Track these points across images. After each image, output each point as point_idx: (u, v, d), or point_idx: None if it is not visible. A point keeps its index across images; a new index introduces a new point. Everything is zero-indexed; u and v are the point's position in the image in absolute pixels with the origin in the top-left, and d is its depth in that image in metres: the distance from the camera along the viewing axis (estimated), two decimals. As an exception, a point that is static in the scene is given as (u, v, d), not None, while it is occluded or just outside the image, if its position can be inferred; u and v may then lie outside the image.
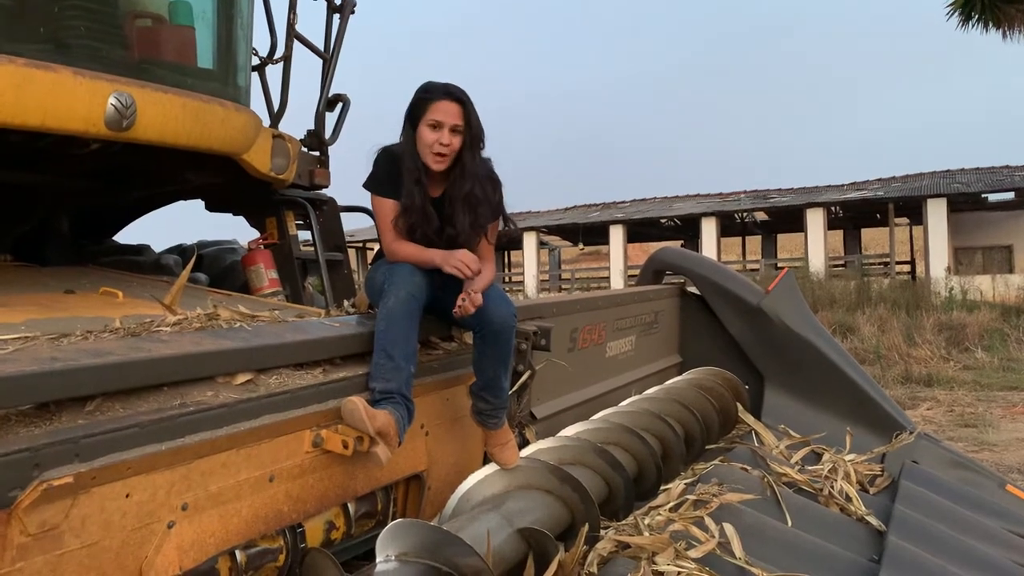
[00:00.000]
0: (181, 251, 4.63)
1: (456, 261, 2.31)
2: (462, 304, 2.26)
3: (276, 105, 4.19)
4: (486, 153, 2.47)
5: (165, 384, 1.72)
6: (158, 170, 3.69)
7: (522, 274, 29.26)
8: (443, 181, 2.45)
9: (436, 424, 2.48)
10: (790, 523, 2.64)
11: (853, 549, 2.63)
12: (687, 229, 29.10)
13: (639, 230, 29.55)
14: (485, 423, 2.45)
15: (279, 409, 1.90)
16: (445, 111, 2.34)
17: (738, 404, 3.79)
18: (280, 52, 4.14)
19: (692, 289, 4.46)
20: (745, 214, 28.03)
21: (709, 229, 26.06)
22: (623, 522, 2.41)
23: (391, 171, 2.42)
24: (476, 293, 2.26)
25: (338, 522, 2.18)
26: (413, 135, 2.38)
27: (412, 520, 1.98)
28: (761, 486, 2.78)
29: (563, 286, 29.98)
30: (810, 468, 3.23)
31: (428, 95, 2.37)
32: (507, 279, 30.71)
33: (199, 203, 4.39)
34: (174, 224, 5.08)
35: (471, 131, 2.38)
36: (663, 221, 28.93)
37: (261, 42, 4.08)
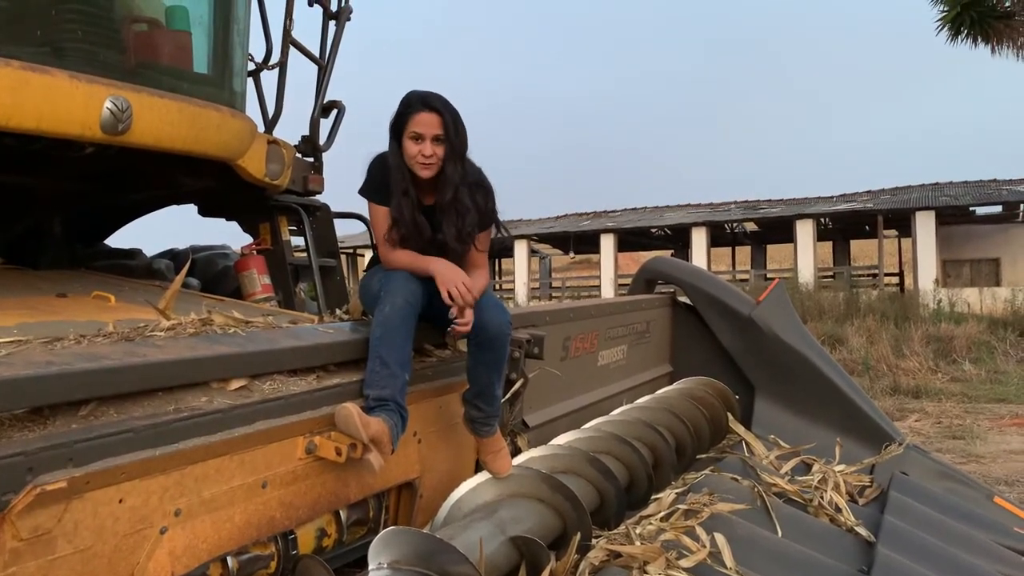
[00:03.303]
0: (173, 256, 4.60)
1: (452, 287, 2.25)
2: (450, 331, 2.34)
3: (271, 111, 4.18)
4: (477, 162, 2.45)
5: (159, 389, 1.72)
6: (153, 174, 3.68)
7: (513, 282, 29.26)
8: (436, 189, 2.44)
9: (429, 431, 2.48)
10: (780, 533, 2.65)
11: (842, 559, 2.64)
12: (677, 239, 29.17)
13: (630, 239, 29.61)
14: (478, 431, 2.45)
15: (273, 415, 1.90)
16: (424, 123, 2.32)
17: (729, 414, 3.80)
18: (276, 58, 4.14)
19: (683, 299, 4.48)
20: (735, 224, 28.13)
21: (699, 239, 26.13)
22: (614, 531, 2.42)
23: (385, 178, 2.41)
24: (464, 326, 2.30)
25: (330, 529, 2.18)
26: (399, 148, 2.38)
27: (404, 528, 1.98)
28: (751, 496, 2.79)
29: (554, 294, 30.00)
30: (800, 478, 3.25)
31: (408, 108, 2.35)
32: (498, 287, 30.69)
33: (189, 208, 4.38)
34: (163, 229, 5.05)
35: (451, 140, 2.34)
36: (654, 231, 29.00)
37: (257, 48, 4.09)
